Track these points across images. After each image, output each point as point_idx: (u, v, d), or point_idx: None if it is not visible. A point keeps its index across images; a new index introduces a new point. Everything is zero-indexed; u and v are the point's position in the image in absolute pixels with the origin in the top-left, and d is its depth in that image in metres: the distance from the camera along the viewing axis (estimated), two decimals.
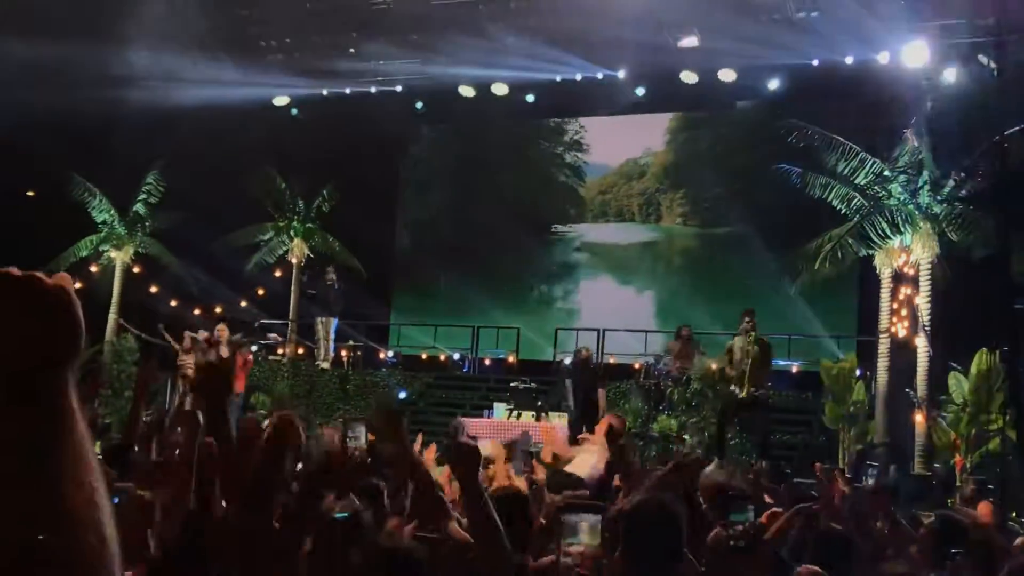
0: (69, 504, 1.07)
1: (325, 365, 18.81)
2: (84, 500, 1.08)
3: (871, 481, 9.62)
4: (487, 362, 21.07)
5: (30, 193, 20.59)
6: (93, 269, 19.33)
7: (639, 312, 21.47)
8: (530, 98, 21.50)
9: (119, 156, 19.78)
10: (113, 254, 19.39)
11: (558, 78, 20.71)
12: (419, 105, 22.67)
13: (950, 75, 17.29)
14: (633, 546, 3.89)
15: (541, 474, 7.76)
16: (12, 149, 18.35)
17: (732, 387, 13.53)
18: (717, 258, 21.42)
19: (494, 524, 3.68)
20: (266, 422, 5.10)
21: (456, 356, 21.40)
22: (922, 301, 14.21)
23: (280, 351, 19.39)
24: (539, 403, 16.27)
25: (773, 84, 19.50)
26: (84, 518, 1.07)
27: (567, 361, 16.83)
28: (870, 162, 14.45)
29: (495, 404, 17.42)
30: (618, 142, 22.81)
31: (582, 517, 4.14)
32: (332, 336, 18.70)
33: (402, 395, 19.53)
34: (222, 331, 16.39)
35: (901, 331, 14.60)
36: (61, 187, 19.25)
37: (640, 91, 20.66)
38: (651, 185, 22.91)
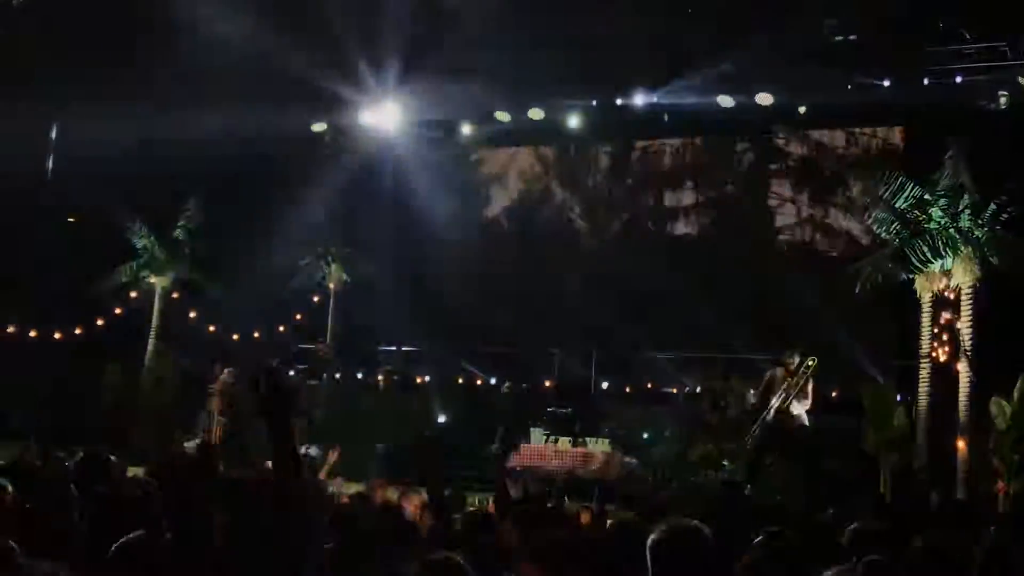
0: None
1: None
2: None
3: None
4: (524, 387, 21.01)
5: (71, 219, 20.77)
6: (133, 295, 19.42)
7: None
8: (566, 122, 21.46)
9: (159, 182, 19.93)
10: (153, 279, 19.47)
11: (594, 102, 20.70)
12: None
13: (991, 97, 17.18)
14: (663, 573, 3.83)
15: None
16: (53, 174, 18.57)
17: (769, 414, 13.36)
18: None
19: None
20: None
21: (492, 380, 21.37)
22: (963, 326, 14.05)
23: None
24: (576, 428, 16.21)
25: (809, 107, 19.39)
26: None
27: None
28: (910, 186, 14.31)
29: (531, 429, 17.38)
30: None
31: None
32: None
33: (441, 419, 19.52)
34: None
35: (942, 356, 14.43)
36: (101, 213, 19.37)
37: (674, 116, 20.61)
38: None
